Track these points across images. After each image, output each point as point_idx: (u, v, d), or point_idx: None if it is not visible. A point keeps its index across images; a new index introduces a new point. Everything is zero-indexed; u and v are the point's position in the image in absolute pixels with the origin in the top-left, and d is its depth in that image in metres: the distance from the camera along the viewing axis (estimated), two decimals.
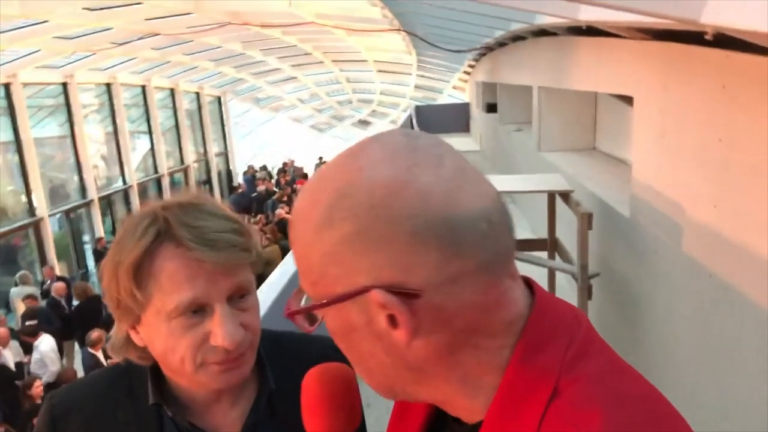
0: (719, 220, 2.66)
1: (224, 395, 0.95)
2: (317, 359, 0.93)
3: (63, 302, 8.69)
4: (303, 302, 0.60)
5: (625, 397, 0.54)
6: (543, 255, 4.67)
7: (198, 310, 0.86)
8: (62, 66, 12.44)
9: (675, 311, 3.19)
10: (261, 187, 15.80)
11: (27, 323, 7.51)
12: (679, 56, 2.91)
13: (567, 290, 4.76)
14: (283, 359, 1.01)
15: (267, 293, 3.21)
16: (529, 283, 0.61)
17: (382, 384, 0.61)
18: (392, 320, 0.54)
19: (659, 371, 3.32)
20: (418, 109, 16.43)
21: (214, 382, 0.89)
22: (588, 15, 3.44)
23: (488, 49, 9.54)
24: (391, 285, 0.53)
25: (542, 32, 5.75)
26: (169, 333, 0.86)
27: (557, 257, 4.61)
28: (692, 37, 2.61)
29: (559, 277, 4.83)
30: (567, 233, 4.43)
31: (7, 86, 11.26)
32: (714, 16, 1.77)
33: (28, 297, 8.40)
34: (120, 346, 0.92)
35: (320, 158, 20.35)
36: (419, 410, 0.68)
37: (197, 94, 19.34)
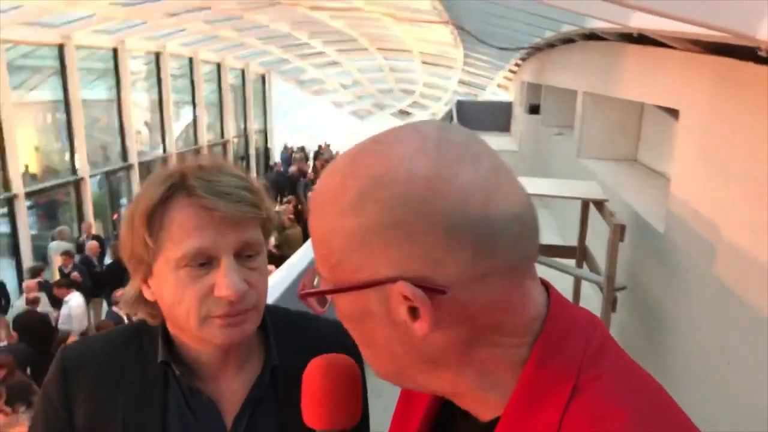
0: (755, 245, 2.58)
1: (229, 361, 0.97)
2: (327, 340, 0.95)
3: (95, 260, 8.96)
4: (316, 284, 0.59)
5: (648, 395, 0.54)
6: (571, 263, 4.60)
7: (205, 262, 0.88)
8: (115, 32, 12.69)
9: (700, 334, 3.11)
10: (293, 168, 15.92)
11: (60, 278, 7.75)
12: (729, 71, 2.82)
13: (592, 301, 4.69)
14: (293, 337, 1.02)
15: (287, 274, 3.24)
16: (544, 284, 0.61)
17: (390, 371, 0.60)
18: (413, 312, 0.54)
19: (679, 393, 3.25)
20: (459, 103, 16.30)
21: (216, 336, 0.90)
22: (639, 22, 3.35)
23: (536, 50, 9.39)
24: (419, 279, 0.52)
25: (592, 36, 5.63)
26: (176, 283, 0.88)
27: (585, 266, 4.54)
28: (744, 52, 2.52)
29: (585, 287, 4.76)
30: (597, 243, 4.35)
31: (61, 47, 11.56)
32: None
33: (65, 253, 8.67)
34: (132, 301, 0.95)
35: (320, 146, 20.40)
36: (424, 402, 0.68)
37: (242, 70, 19.53)
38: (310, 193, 0.66)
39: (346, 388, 0.72)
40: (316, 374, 0.72)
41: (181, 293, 0.88)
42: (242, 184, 0.90)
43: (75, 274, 7.91)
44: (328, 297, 0.59)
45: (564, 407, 0.53)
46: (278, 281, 3.29)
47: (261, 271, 0.93)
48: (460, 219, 0.52)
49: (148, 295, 0.93)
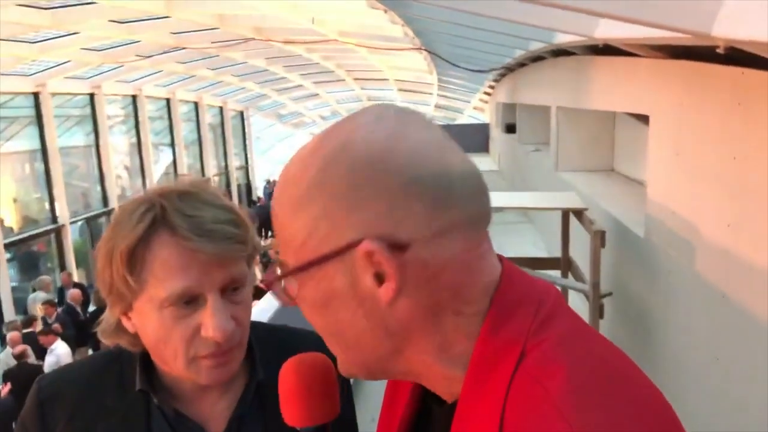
0: (733, 240, 2.61)
1: (211, 386, 0.95)
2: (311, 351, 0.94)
3: (78, 309, 8.80)
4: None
5: (590, 355, 0.54)
6: (556, 274, 4.62)
7: (190, 300, 0.85)
8: (90, 77, 12.73)
9: (688, 331, 3.12)
10: None
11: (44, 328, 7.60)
12: (695, 74, 2.89)
13: (580, 310, 4.69)
14: (277, 352, 1.00)
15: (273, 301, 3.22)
16: (499, 257, 0.62)
17: (358, 359, 0.60)
18: (378, 278, 0.54)
19: (672, 391, 3.24)
20: None
21: (202, 378, 0.88)
22: (604, 32, 3.44)
23: (509, 70, 9.56)
24: (381, 236, 0.53)
25: (561, 52, 5.75)
26: (160, 322, 0.85)
27: (570, 276, 4.56)
28: (708, 55, 2.59)
29: (573, 297, 4.77)
30: (581, 252, 4.38)
31: (36, 95, 11.55)
32: (725, 29, 1.75)
33: (47, 302, 8.52)
34: (111, 331, 0.92)
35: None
36: (405, 396, 0.68)
37: (221, 108, 19.64)
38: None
39: (318, 382, 0.72)
40: (288, 372, 0.73)
41: (166, 333, 0.85)
42: (226, 218, 0.87)
43: (56, 326, 7.73)
44: (295, 285, 0.59)
45: (510, 377, 0.53)
46: (271, 303, 3.29)
47: (246, 304, 0.91)
48: (417, 173, 0.54)
49: (128, 327, 0.90)
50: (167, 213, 0.84)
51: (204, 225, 0.84)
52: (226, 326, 0.85)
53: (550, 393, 0.50)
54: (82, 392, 0.94)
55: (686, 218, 3.10)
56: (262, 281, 0.59)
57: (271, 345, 1.01)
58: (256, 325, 1.02)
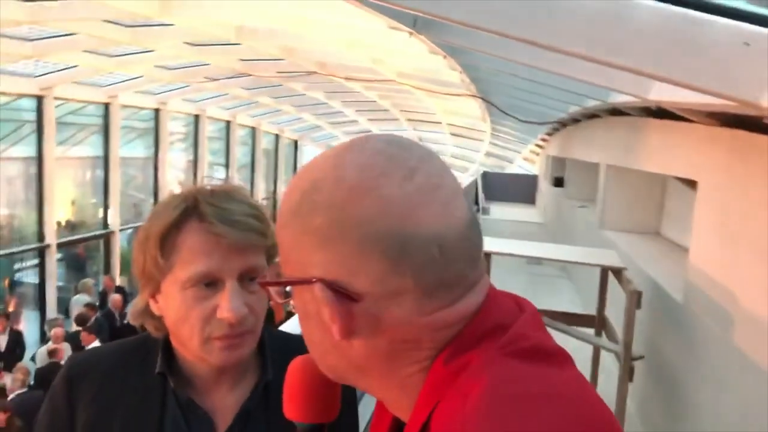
0: None
1: (225, 377, 1.01)
2: None
3: (117, 315, 8.98)
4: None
5: (521, 371, 0.52)
6: (590, 332, 4.54)
7: (210, 283, 0.94)
8: (158, 93, 13.36)
9: (722, 406, 3.02)
10: None
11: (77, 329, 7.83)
12: (743, 143, 2.88)
13: (612, 371, 4.59)
14: (289, 357, 1.07)
15: None
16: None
17: (332, 370, 0.63)
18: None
19: None
20: (485, 175, 16.50)
21: (214, 357, 0.95)
22: (657, 95, 3.46)
23: (562, 125, 9.59)
24: (336, 283, 0.55)
25: (615, 111, 5.77)
26: (182, 302, 0.94)
27: (604, 336, 4.47)
28: (758, 125, 2.59)
29: (605, 357, 4.67)
30: (617, 312, 4.31)
31: (107, 106, 12.19)
32: None
33: (88, 305, 8.79)
34: (139, 313, 1.01)
35: None
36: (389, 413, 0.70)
37: (276, 135, 20.21)
38: None
39: (322, 384, 0.75)
40: (294, 370, 0.77)
41: (186, 312, 0.94)
42: (251, 212, 0.97)
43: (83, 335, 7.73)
44: (281, 296, 0.65)
45: (444, 390, 0.54)
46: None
47: (260, 296, 0.98)
48: (373, 231, 0.53)
49: (154, 309, 0.99)
50: (199, 203, 0.95)
51: (229, 215, 0.94)
52: (239, 309, 0.92)
53: (465, 405, 0.50)
54: (108, 372, 1.02)
55: (727, 287, 3.05)
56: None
57: (283, 350, 1.07)
58: (271, 331, 1.10)
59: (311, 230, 0.56)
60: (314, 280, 0.55)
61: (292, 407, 0.76)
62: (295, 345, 1.09)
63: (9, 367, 7.18)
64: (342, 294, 0.55)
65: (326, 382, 0.73)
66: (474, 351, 0.54)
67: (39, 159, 10.78)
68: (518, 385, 0.51)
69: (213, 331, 0.94)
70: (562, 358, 0.56)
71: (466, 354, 0.54)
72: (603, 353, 4.51)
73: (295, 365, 0.78)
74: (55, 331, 7.45)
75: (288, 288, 0.64)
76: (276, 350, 1.06)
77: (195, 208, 0.95)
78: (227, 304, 0.92)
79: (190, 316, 0.93)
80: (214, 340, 0.94)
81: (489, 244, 4.60)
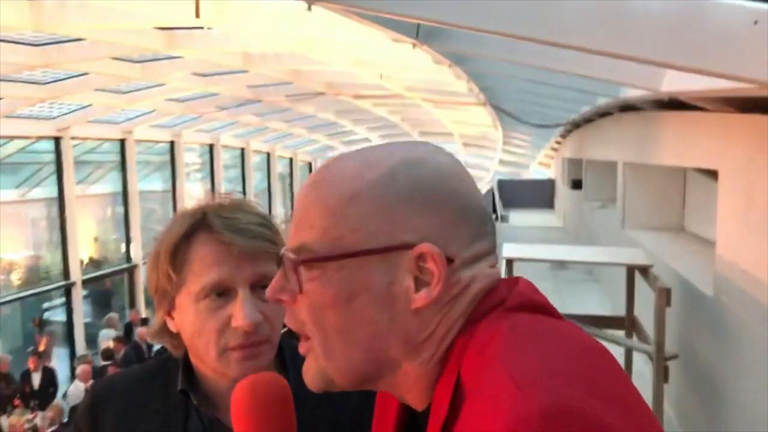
0: None
1: None
2: None
3: (144, 347, 9.06)
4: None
5: (536, 322, 0.58)
6: (621, 334, 4.43)
7: (223, 293, 0.93)
8: (171, 126, 13.55)
9: (760, 398, 2.91)
10: None
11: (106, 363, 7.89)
12: (764, 128, 2.80)
13: (646, 373, 4.46)
14: None
15: None
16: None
17: (356, 362, 0.61)
18: (417, 283, 0.58)
19: None
20: (500, 183, 16.39)
21: (232, 369, 0.93)
22: (669, 85, 3.40)
23: (575, 126, 9.50)
24: (437, 244, 0.58)
25: (627, 107, 5.69)
26: (196, 315, 0.93)
27: (635, 337, 4.36)
28: None
29: (636, 358, 4.55)
30: (646, 312, 4.19)
31: (122, 142, 12.38)
32: None
33: (116, 339, 8.88)
34: (156, 331, 1.00)
35: None
36: (395, 405, 0.69)
37: (291, 159, 20.36)
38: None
39: (274, 403, 0.73)
40: (242, 393, 0.74)
41: (201, 325, 0.93)
42: (259, 221, 0.97)
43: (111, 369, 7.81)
44: (304, 278, 0.60)
45: (462, 355, 0.57)
46: None
47: (275, 305, 0.97)
48: (469, 203, 0.61)
49: (171, 327, 0.98)
50: (207, 216, 0.95)
51: (238, 224, 0.94)
52: (253, 316, 0.91)
53: (492, 351, 0.54)
54: (130, 395, 1.01)
55: (757, 277, 2.95)
56: (281, 256, 0.61)
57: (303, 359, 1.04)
58: (290, 341, 1.06)
59: (410, 196, 0.59)
60: (416, 243, 0.58)
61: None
62: None
63: (44, 406, 7.24)
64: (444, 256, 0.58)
65: (282, 400, 0.74)
66: (484, 321, 0.59)
67: (60, 199, 10.97)
68: (534, 325, 0.57)
69: (229, 342, 0.92)
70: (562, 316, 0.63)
71: (482, 320, 0.59)
72: (635, 355, 4.39)
73: (244, 388, 0.75)
74: (82, 369, 7.51)
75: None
76: (296, 359, 1.03)
77: (203, 220, 0.95)
78: (241, 312, 0.91)
79: (205, 328, 0.93)
80: (231, 351, 0.93)
81: (511, 250, 4.53)
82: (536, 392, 0.49)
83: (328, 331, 0.60)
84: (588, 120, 8.19)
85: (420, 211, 0.59)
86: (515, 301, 0.60)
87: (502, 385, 0.50)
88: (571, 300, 7.04)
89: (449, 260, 0.58)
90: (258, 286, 0.94)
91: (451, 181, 0.61)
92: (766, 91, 2.15)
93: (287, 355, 1.03)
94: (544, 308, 0.61)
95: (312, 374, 0.63)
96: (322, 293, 0.60)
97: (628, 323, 4.46)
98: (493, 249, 0.63)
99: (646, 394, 3.52)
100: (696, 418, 3.87)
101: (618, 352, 4.29)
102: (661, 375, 3.56)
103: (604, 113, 7.00)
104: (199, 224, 0.95)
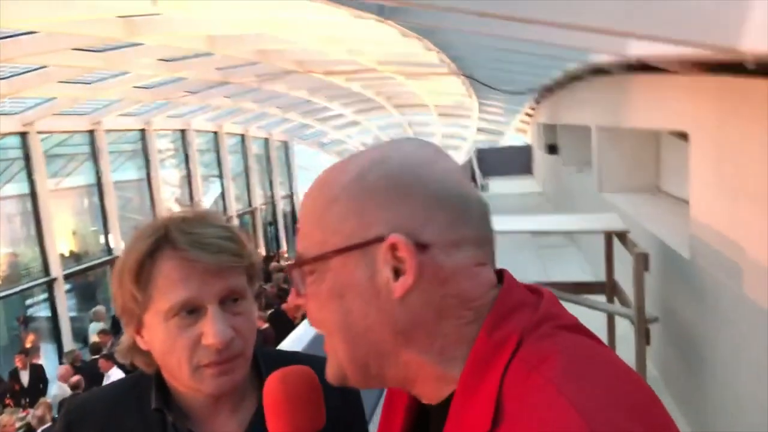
0: None
1: (222, 404, 0.98)
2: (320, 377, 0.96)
3: None
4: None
5: (578, 343, 0.59)
6: (601, 299, 4.48)
7: (192, 310, 0.91)
8: (141, 114, 13.28)
9: (740, 357, 2.97)
10: None
11: (95, 357, 7.84)
12: (732, 89, 2.80)
13: (628, 336, 4.54)
14: None
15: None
16: (501, 271, 0.67)
17: (359, 354, 0.63)
18: (395, 273, 0.60)
19: (726, 420, 3.09)
20: (479, 151, 16.40)
21: (207, 386, 0.92)
22: (636, 50, 3.37)
23: (548, 91, 9.49)
24: (407, 233, 0.59)
25: (598, 71, 5.67)
26: (166, 333, 0.91)
27: (616, 301, 4.41)
28: (744, 68, 2.50)
29: (619, 323, 4.61)
30: (626, 276, 4.24)
31: (92, 133, 12.12)
32: (752, 42, 1.69)
33: (102, 331, 8.81)
34: (126, 350, 0.98)
35: None
36: (403, 402, 0.71)
37: (266, 139, 20.12)
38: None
39: (303, 394, 0.74)
40: (273, 384, 0.75)
41: (171, 344, 0.91)
42: (224, 234, 0.94)
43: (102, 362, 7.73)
44: (306, 279, 0.65)
45: (506, 364, 0.57)
46: (303, 335, 3.32)
47: (247, 317, 0.95)
48: (444, 188, 0.62)
49: (141, 345, 0.96)
50: (170, 232, 0.92)
51: (202, 239, 0.91)
52: (224, 333, 0.89)
53: (544, 373, 0.54)
54: (105, 414, 0.99)
55: (732, 238, 2.98)
56: (285, 269, 0.64)
57: (279, 368, 1.03)
58: (264, 350, 1.07)
59: (378, 190, 0.61)
60: (386, 235, 0.60)
61: (277, 423, 0.74)
62: (290, 362, 1.06)
63: (34, 403, 7.19)
64: (414, 243, 0.59)
65: (310, 391, 0.75)
66: (509, 325, 0.60)
67: (32, 194, 10.75)
68: (583, 350, 0.58)
69: (201, 359, 0.91)
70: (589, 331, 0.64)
71: (502, 327, 0.60)
72: (617, 319, 4.45)
73: (274, 379, 0.76)
74: (62, 369, 7.48)
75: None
76: (272, 369, 1.01)
77: (166, 236, 0.92)
78: (211, 330, 0.89)
79: (175, 346, 0.91)
80: (204, 368, 0.91)
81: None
82: (603, 425, 0.50)
83: (332, 328, 0.64)
84: (560, 84, 8.17)
85: (389, 204, 0.60)
86: (561, 322, 0.61)
87: (564, 413, 0.51)
88: (552, 266, 7.11)
89: (424, 246, 0.59)
90: (228, 300, 0.92)
91: (420, 169, 0.62)
92: (728, 56, 2.14)
93: (261, 364, 1.01)
94: (580, 328, 0.62)
95: (331, 369, 0.66)
96: (318, 294, 0.64)
97: (609, 288, 4.51)
98: (483, 238, 0.63)
99: (630, 356, 3.58)
100: (678, 376, 3.95)
101: (600, 317, 4.34)
102: (643, 338, 3.62)
103: (574, 77, 6.99)
104: (162, 240, 0.92)
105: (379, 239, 0.60)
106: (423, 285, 0.60)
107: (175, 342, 0.90)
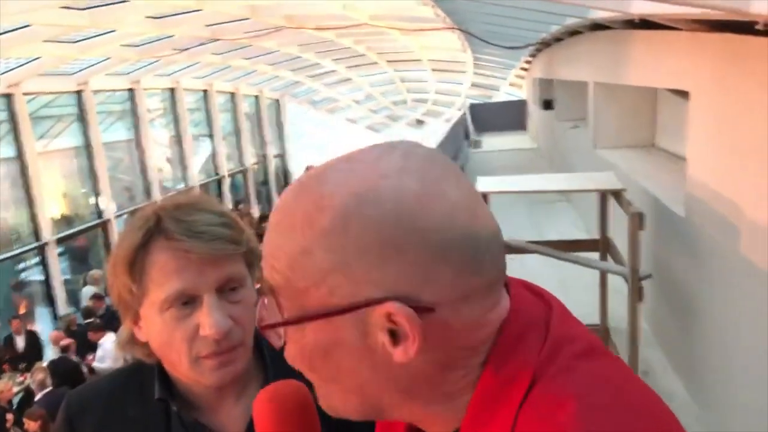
0: None
1: (226, 392, 0.97)
2: None
3: None
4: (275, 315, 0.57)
5: (598, 379, 0.52)
6: (595, 256, 4.53)
7: (189, 301, 0.88)
8: (129, 73, 13.00)
9: (731, 314, 3.03)
10: None
11: (88, 321, 7.89)
12: (735, 48, 2.77)
13: (621, 292, 4.61)
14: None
15: None
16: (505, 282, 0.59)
17: (357, 403, 0.57)
18: (392, 336, 0.51)
19: (716, 376, 3.18)
20: (473, 107, 16.27)
21: (207, 378, 0.91)
22: (640, 8, 3.32)
23: (545, 45, 9.35)
24: (406, 298, 0.50)
25: (597, 26, 5.58)
26: (163, 325, 0.89)
27: (609, 258, 4.46)
28: (749, 27, 2.47)
29: (613, 279, 4.68)
30: (621, 233, 4.28)
31: (79, 93, 11.88)
32: (764, 6, 1.67)
33: (95, 296, 8.81)
34: (125, 342, 0.97)
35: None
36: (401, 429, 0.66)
37: (256, 97, 19.80)
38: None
39: (296, 411, 0.70)
40: (262, 403, 0.71)
41: (168, 335, 0.89)
42: (219, 221, 0.91)
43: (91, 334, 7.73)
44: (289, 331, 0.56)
45: (518, 407, 0.51)
46: None
47: (245, 304, 0.93)
48: (450, 235, 0.51)
49: (140, 337, 0.94)
50: (162, 221, 0.89)
51: (195, 227, 0.88)
52: (221, 324, 0.87)
53: (559, 421, 0.48)
54: (106, 405, 0.98)
55: (728, 197, 3.00)
56: (259, 324, 0.59)
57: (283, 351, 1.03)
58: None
59: (367, 247, 0.50)
60: (380, 300, 0.50)
61: None
62: None
63: (30, 368, 7.26)
64: (416, 308, 0.50)
65: (303, 408, 0.70)
66: (518, 357, 0.53)
67: (20, 157, 10.59)
68: (606, 389, 0.51)
69: (200, 351, 0.89)
70: (603, 347, 0.57)
71: (510, 361, 0.53)
72: (609, 275, 4.51)
73: (263, 398, 0.71)
74: (54, 334, 7.52)
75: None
76: (275, 354, 1.01)
77: (158, 225, 0.89)
78: (208, 320, 0.87)
79: (173, 338, 0.89)
80: (204, 360, 0.89)
81: (484, 183, 4.53)
82: None
83: (316, 379, 0.58)
84: (558, 39, 8.06)
85: (380, 262, 0.50)
86: (576, 348, 0.54)
87: None
88: (546, 223, 7.15)
89: (428, 309, 0.51)
90: (225, 288, 0.90)
91: (419, 212, 0.51)
92: (737, 17, 2.11)
93: (266, 353, 1.00)
94: (596, 349, 0.55)
95: (324, 405, 0.60)
96: (299, 341, 0.56)
97: (603, 245, 4.56)
98: (496, 279, 0.54)
99: (623, 311, 3.64)
100: (671, 331, 4.04)
101: (594, 273, 4.40)
102: (636, 294, 3.68)
103: (573, 32, 6.88)
104: (155, 230, 0.89)
105: (372, 303, 0.51)
106: (428, 345, 0.52)
107: (173, 334, 0.89)
